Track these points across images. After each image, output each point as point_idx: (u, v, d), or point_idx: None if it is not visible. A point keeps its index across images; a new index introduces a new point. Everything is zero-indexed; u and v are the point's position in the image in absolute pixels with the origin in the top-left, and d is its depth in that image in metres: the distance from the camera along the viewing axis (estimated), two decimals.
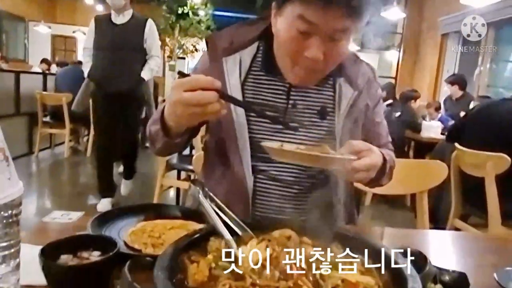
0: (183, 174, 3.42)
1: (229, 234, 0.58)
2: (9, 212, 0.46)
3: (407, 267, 0.51)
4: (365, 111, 0.99)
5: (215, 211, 0.63)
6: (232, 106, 0.91)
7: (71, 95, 5.08)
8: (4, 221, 0.45)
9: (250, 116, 0.93)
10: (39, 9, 11.22)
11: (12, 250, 0.47)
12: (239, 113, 0.92)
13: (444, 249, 0.94)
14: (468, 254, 0.93)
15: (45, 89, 6.02)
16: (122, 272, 0.48)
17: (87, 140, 5.60)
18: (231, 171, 0.95)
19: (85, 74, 3.36)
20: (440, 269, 0.67)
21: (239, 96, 0.92)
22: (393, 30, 8.62)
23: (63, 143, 5.57)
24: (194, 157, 1.48)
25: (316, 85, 0.97)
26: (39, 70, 7.40)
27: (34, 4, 11.10)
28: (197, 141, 2.76)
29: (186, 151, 4.54)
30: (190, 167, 3.03)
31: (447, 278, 0.65)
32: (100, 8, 10.88)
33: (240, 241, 0.59)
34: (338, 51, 0.84)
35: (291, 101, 0.95)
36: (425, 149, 3.93)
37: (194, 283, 0.48)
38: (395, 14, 6.07)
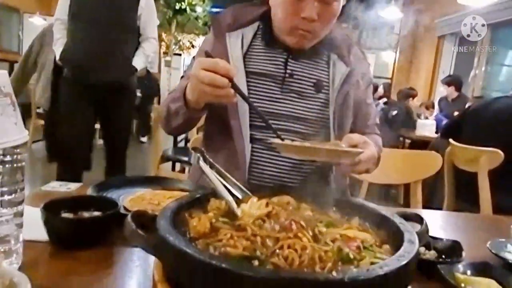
0: (177, 166, 3.42)
1: (229, 196, 0.59)
2: (15, 157, 0.46)
3: (404, 224, 0.52)
4: (356, 88, 1.05)
5: (215, 176, 0.64)
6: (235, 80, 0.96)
7: None
8: (9, 165, 0.46)
9: (250, 84, 1.00)
10: (34, 1, 11.12)
11: (16, 195, 0.48)
12: (240, 82, 0.97)
13: (438, 225, 0.96)
14: (461, 230, 0.95)
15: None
16: (125, 221, 0.48)
17: None
18: (230, 140, 0.98)
19: (57, 56, 2.42)
20: (434, 238, 0.69)
21: (241, 66, 0.99)
22: (390, 30, 8.67)
23: None
24: (191, 140, 1.49)
25: (312, 58, 1.04)
26: None
27: None
28: (193, 134, 2.77)
29: (182, 144, 4.54)
30: (185, 158, 3.03)
31: (440, 245, 0.66)
32: None
33: (240, 201, 0.60)
34: (330, 12, 0.94)
35: (288, 71, 1.02)
36: (419, 147, 3.96)
37: (196, 234, 0.49)
38: (392, 14, 6.10)
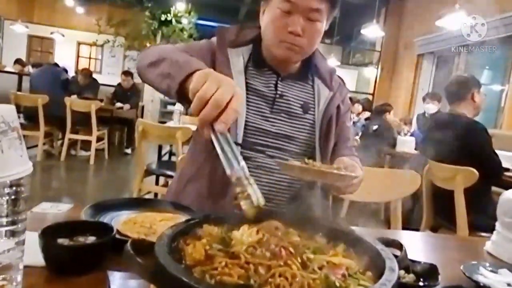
0: (161, 180, 3.41)
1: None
2: (19, 188, 0.48)
3: (385, 251, 0.56)
4: (337, 111, 1.14)
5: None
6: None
7: (47, 96, 4.98)
8: (13, 196, 0.48)
9: (248, 99, 1.06)
10: (16, 8, 10.95)
11: (19, 225, 0.49)
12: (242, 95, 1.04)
13: (417, 246, 1.01)
14: (438, 251, 1.01)
15: (19, 89, 5.87)
16: (124, 248, 0.51)
17: (62, 144, 5.47)
18: (217, 158, 1.00)
19: None
20: (413, 261, 0.73)
21: (242, 80, 1.06)
22: (372, 47, 8.93)
23: (36, 146, 5.40)
24: (179, 158, 1.51)
25: (298, 82, 1.14)
26: (13, 71, 7.18)
27: (11, 2, 10.83)
28: (178, 148, 2.78)
29: (165, 158, 4.52)
30: (169, 172, 3.03)
31: (419, 268, 0.71)
32: (80, 10, 10.73)
33: (232, 227, 0.63)
34: (314, 29, 1.02)
35: (278, 92, 1.10)
36: (399, 163, 4.06)
37: (191, 262, 0.52)
38: (374, 32, 6.30)
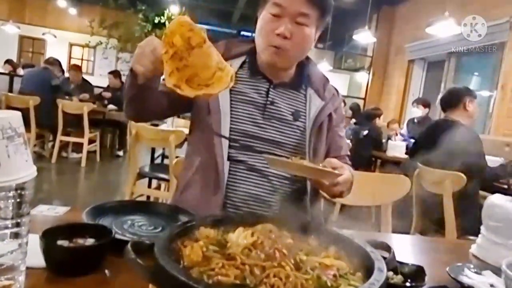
0: (154, 183, 3.41)
1: None
2: (24, 192, 0.50)
3: (374, 252, 0.59)
4: (329, 120, 1.17)
5: None
6: (220, 95, 1.07)
7: (38, 98, 4.95)
8: (19, 199, 0.49)
9: (233, 108, 1.10)
10: (7, 8, 10.86)
11: (23, 228, 0.51)
12: (225, 107, 1.08)
13: (405, 249, 1.04)
14: (426, 254, 1.04)
15: (10, 90, 5.82)
16: (124, 249, 0.52)
17: (53, 146, 5.43)
18: (209, 158, 1.07)
19: None
20: (400, 263, 0.76)
21: (226, 93, 1.10)
22: (363, 53, 9.03)
23: None
24: (174, 162, 1.53)
25: (291, 90, 1.17)
26: (3, 71, 7.10)
27: (2, 2, 10.74)
28: (171, 151, 2.79)
29: (158, 160, 4.52)
30: (162, 175, 3.04)
31: (406, 270, 0.74)
32: (73, 11, 10.68)
33: (227, 229, 0.65)
34: (302, 33, 1.06)
35: (269, 99, 1.13)
36: (390, 167, 4.12)
37: (189, 263, 0.54)
38: (366, 38, 6.38)
